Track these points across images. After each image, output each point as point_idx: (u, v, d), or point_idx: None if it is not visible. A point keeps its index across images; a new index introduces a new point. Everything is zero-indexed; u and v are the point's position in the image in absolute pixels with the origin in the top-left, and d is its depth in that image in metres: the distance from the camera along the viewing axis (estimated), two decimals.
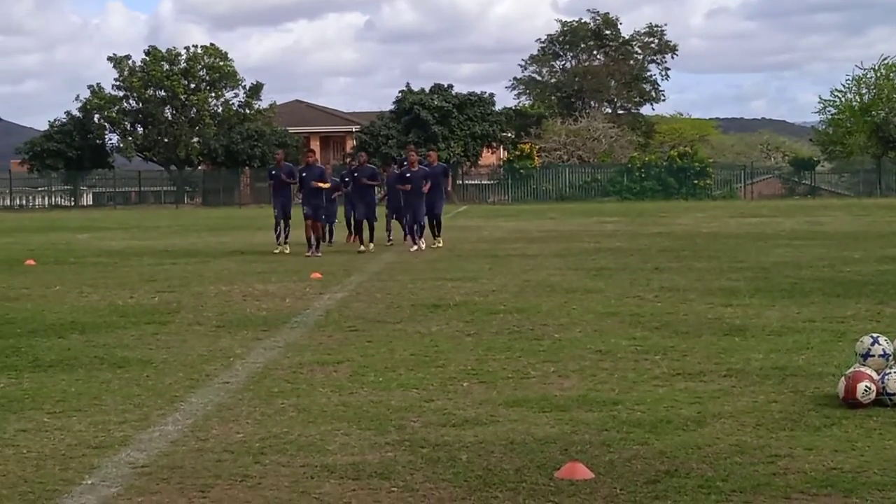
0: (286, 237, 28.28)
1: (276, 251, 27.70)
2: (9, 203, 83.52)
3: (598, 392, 9.93)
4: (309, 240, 26.93)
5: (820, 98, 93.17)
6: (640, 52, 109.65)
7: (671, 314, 14.99)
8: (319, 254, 26.57)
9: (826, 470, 7.40)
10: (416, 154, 29.74)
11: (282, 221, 28.28)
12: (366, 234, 28.73)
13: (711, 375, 10.63)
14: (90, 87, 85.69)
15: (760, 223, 40.52)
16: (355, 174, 29.22)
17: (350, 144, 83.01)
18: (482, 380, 10.61)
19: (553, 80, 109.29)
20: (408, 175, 28.47)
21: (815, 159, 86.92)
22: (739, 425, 8.60)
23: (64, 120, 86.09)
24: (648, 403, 9.39)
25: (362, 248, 28.08)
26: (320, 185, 27.37)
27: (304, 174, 27.72)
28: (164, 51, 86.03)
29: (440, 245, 28.83)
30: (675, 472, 7.39)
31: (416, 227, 28.35)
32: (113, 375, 11.13)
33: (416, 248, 27.92)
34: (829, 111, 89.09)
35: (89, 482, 7.40)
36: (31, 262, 25.67)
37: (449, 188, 29.46)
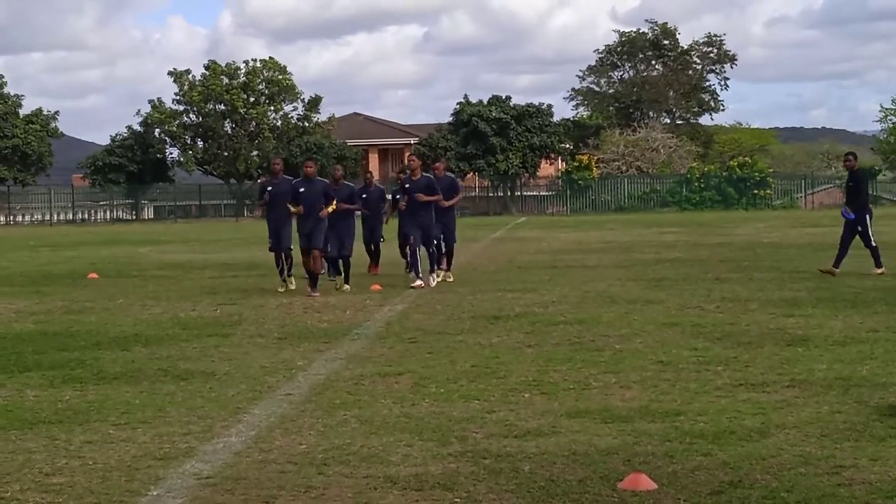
0: (289, 269, 21.82)
1: (281, 289, 21.30)
2: (71, 217, 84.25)
3: (661, 403, 9.90)
4: (310, 273, 20.62)
5: (881, 107, 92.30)
6: (698, 61, 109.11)
7: (733, 325, 14.92)
8: (317, 293, 20.17)
9: (891, 480, 7.34)
10: (417, 160, 23.49)
11: (281, 254, 21.88)
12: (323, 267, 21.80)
13: (774, 386, 10.57)
14: (151, 101, 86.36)
15: (821, 233, 40.17)
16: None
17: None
18: (543, 391, 10.60)
19: (611, 91, 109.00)
20: (406, 186, 21.96)
21: (877, 168, 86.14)
22: (803, 436, 8.55)
23: (125, 134, 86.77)
24: (711, 414, 9.35)
25: (337, 287, 21.39)
26: (328, 210, 20.54)
27: (301, 190, 20.71)
28: (223, 65, 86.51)
29: (450, 279, 22.46)
30: (738, 483, 7.36)
31: (414, 252, 21.61)
32: (176, 387, 11.22)
33: (419, 283, 21.25)
34: (890, 120, 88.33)
35: (155, 493, 7.47)
36: (94, 275, 25.90)
37: (451, 203, 22.63)
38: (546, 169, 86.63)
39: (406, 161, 23.57)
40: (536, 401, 10.17)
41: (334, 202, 20.71)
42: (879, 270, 22.08)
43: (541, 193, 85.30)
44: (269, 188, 21.86)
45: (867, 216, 22.58)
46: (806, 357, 12.19)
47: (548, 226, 54.62)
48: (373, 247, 25.06)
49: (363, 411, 9.83)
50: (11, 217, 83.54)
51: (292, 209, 20.65)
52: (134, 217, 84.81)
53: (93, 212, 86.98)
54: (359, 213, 23.00)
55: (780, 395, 10.13)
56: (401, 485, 7.50)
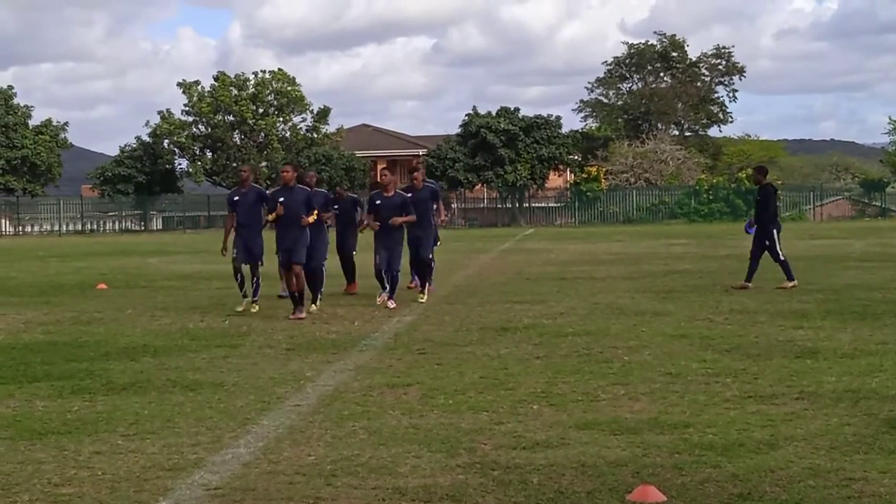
0: (255, 292, 19.70)
1: (240, 308, 19.47)
2: (80, 228, 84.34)
3: (669, 415, 9.89)
4: (293, 295, 18.75)
5: (890, 119, 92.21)
6: (707, 73, 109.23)
7: (741, 337, 14.90)
8: (303, 315, 18.34)
9: None
10: (391, 175, 21.04)
11: (243, 270, 19.69)
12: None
13: (783, 398, 10.56)
14: (160, 112, 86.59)
15: (830, 245, 40.17)
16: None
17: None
18: (552, 402, 10.60)
19: (620, 103, 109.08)
20: (377, 202, 20.15)
21: (886, 180, 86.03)
22: (813, 448, 8.54)
23: (134, 145, 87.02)
24: (720, 426, 9.34)
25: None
26: (310, 220, 18.87)
27: (280, 199, 18.91)
28: (232, 76, 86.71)
29: (423, 300, 20.60)
30: (748, 495, 7.35)
31: (386, 274, 20.02)
32: (185, 398, 11.23)
33: (382, 299, 20.01)
34: None
35: None
36: (103, 286, 25.93)
37: (442, 217, 22.72)
38: (554, 180, 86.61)
39: (379, 175, 20.47)
40: (545, 412, 10.17)
41: (315, 212, 19.11)
42: (791, 283, 21.90)
43: (549, 205, 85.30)
44: (236, 198, 19.71)
45: (775, 231, 22.46)
46: (815, 369, 12.17)
47: (556, 237, 54.59)
48: (345, 261, 23.09)
49: (372, 422, 9.83)
50: (20, 227, 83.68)
51: (269, 217, 19.08)
52: (143, 228, 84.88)
53: (102, 222, 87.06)
54: (329, 223, 21.61)
55: (790, 408, 10.11)
56: (409, 496, 7.49)
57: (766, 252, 22.39)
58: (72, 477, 8.16)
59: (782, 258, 22.29)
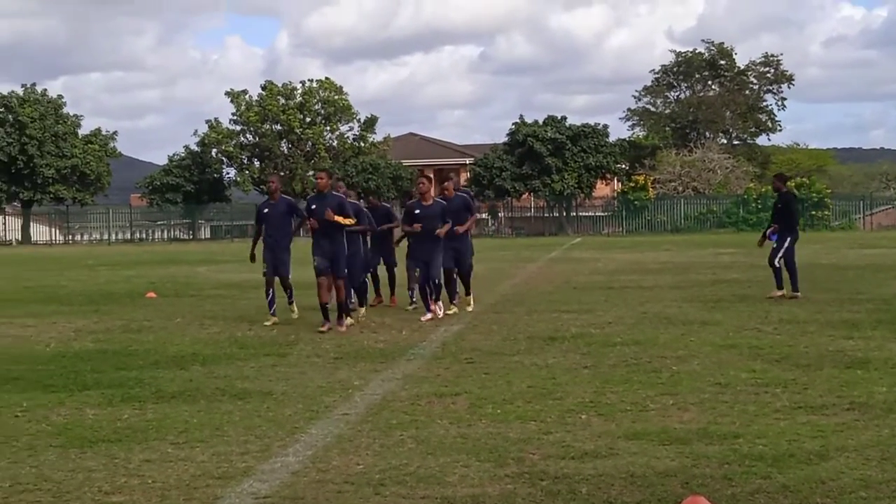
0: (289, 296, 19.98)
1: (268, 323, 18.95)
2: (129, 236, 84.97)
3: (719, 425, 9.84)
4: (323, 307, 18.05)
5: None
6: (755, 81, 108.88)
7: (791, 347, 14.81)
8: (343, 327, 17.90)
9: None
10: (427, 183, 20.57)
11: (275, 282, 19.64)
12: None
13: (834, 409, 10.48)
14: (208, 121, 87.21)
15: (880, 254, 39.87)
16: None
17: (464, 177, 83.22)
18: (600, 412, 10.57)
19: (667, 111, 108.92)
20: (416, 212, 19.74)
21: None
22: (864, 459, 8.47)
23: (182, 154, 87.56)
24: (770, 437, 9.28)
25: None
26: (339, 219, 17.92)
27: (313, 206, 18.16)
28: (280, 85, 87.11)
29: (469, 308, 20.62)
30: None
31: (428, 285, 19.51)
32: (234, 407, 11.27)
33: (429, 316, 19.29)
34: None
35: None
36: (152, 294, 26.10)
37: (465, 227, 20.48)
38: (602, 189, 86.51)
39: (416, 184, 19.92)
40: (594, 422, 10.14)
41: (350, 220, 18.11)
42: (779, 293, 21.73)
43: (596, 214, 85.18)
44: (266, 210, 19.53)
45: (789, 239, 22.13)
46: (866, 380, 12.08)
47: (603, 246, 54.48)
48: (387, 272, 22.57)
49: (420, 431, 9.83)
50: (70, 236, 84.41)
51: (308, 225, 18.34)
52: (191, 236, 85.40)
53: (150, 231, 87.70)
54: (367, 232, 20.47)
55: (840, 418, 10.04)
56: None
57: (784, 258, 22.05)
58: (122, 485, 8.21)
59: (777, 265, 22.06)
